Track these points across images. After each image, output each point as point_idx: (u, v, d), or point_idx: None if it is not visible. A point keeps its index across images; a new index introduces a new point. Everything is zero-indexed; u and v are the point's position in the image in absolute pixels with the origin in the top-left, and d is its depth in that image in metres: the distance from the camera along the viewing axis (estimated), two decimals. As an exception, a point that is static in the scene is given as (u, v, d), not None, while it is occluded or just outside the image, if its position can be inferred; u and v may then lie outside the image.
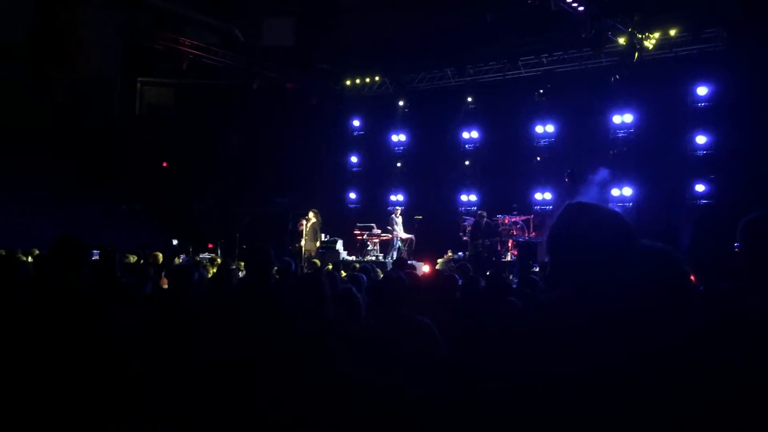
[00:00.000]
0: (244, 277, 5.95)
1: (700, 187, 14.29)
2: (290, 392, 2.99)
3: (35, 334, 2.86)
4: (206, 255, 14.73)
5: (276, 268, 5.30)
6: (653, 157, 14.74)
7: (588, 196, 12.45)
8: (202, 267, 7.53)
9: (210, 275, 6.04)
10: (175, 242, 11.10)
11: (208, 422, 2.86)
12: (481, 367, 2.04)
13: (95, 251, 7.41)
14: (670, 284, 2.06)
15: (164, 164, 20.51)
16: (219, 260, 13.05)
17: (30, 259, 8.58)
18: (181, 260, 12.04)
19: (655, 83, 14.71)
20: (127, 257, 9.96)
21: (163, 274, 7.50)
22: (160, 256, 9.92)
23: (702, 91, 14.39)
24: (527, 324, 1.87)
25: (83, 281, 3.31)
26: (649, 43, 14.19)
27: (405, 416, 3.12)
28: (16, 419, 2.64)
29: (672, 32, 14.19)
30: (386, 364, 3.34)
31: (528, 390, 1.70)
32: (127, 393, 2.82)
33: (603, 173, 13.68)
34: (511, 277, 11.12)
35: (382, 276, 5.81)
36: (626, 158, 15.07)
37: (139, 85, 21.07)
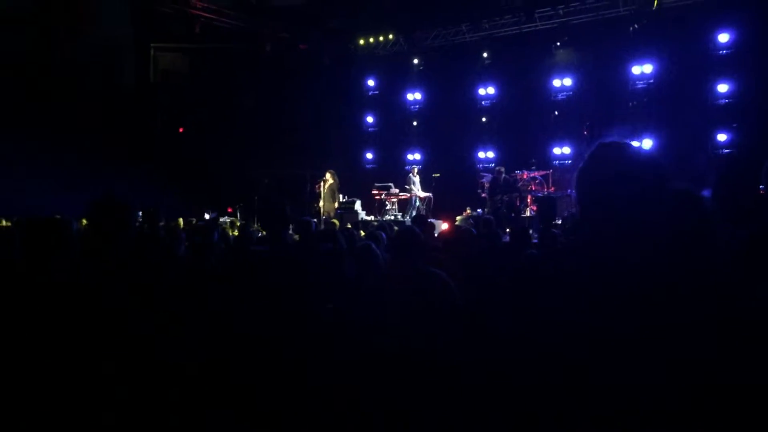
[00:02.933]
0: (262, 236, 6.00)
1: (722, 137, 14.08)
2: (309, 349, 3.01)
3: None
4: (226, 218, 14.81)
5: (295, 226, 5.32)
6: (674, 107, 14.50)
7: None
8: (222, 229, 7.58)
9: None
10: (207, 216, 11.17)
11: (235, 380, 2.91)
12: (495, 315, 2.04)
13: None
14: (698, 226, 2.03)
15: (180, 130, 20.55)
16: (239, 223, 13.14)
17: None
18: (209, 216, 12.11)
19: (675, 32, 14.38)
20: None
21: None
22: (181, 221, 10.00)
23: (723, 38, 14.08)
24: (547, 269, 1.85)
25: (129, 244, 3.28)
26: (669, -10, 13.87)
27: (421, 364, 3.15)
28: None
29: (692, -22, 13.84)
30: (402, 315, 3.36)
31: (545, 336, 1.69)
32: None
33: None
34: (531, 232, 11.07)
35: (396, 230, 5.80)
36: (646, 109, 14.86)
37: (152, 51, 20.99)
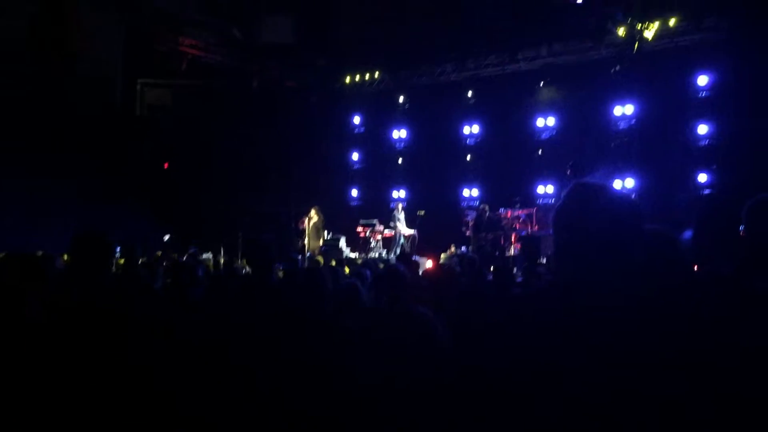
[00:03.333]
0: (247, 272, 5.96)
1: (702, 177, 14.26)
2: (291, 385, 2.98)
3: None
4: (208, 254, 14.73)
5: (281, 264, 5.31)
6: (655, 147, 14.72)
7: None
8: (204, 265, 7.54)
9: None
10: (166, 237, 11.07)
11: (211, 417, 2.86)
12: (482, 356, 2.03)
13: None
14: (673, 267, 2.05)
15: (165, 165, 20.52)
16: (222, 259, 13.07)
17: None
18: (191, 252, 12.04)
19: (656, 73, 14.66)
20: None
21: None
22: (159, 254, 9.93)
23: (703, 80, 14.35)
24: (529, 310, 1.85)
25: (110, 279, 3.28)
26: (649, 34, 14.16)
27: (405, 405, 3.11)
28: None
29: (671, 22, 14.15)
30: (386, 354, 3.33)
31: (530, 376, 1.68)
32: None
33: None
34: (515, 270, 11.09)
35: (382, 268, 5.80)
36: (628, 149, 15.04)
37: (139, 86, 21.07)
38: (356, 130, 20.52)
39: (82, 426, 2.64)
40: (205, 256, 14.43)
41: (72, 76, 16.96)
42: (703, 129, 14.34)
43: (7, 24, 16.15)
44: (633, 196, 14.24)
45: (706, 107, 14.35)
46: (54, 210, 15.85)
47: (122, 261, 7.88)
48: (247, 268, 8.91)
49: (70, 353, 2.77)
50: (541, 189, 16.50)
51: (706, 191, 14.20)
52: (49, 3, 14.05)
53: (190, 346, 3.13)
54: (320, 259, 12.32)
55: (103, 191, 17.71)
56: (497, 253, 14.16)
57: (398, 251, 15.08)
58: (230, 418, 2.86)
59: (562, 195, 1.80)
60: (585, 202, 1.74)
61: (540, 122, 16.72)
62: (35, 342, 2.80)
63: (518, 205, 15.72)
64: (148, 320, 3.44)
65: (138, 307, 3.50)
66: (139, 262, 9.66)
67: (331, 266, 8.54)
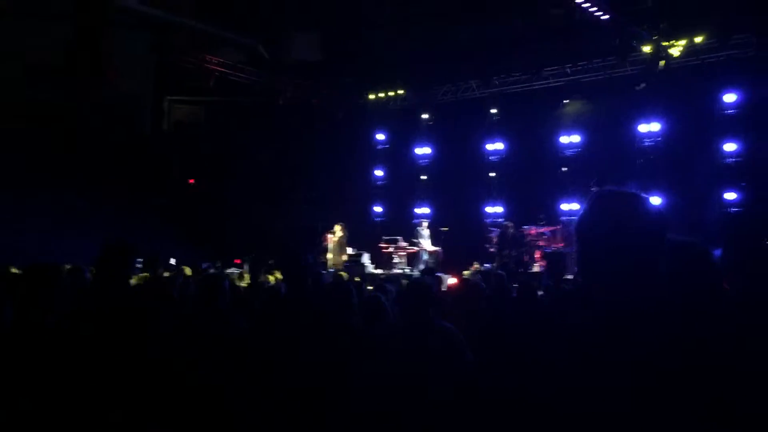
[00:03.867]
0: (277, 284, 6.01)
1: (730, 195, 14.10)
2: (316, 396, 3.01)
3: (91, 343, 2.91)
4: (234, 269, 14.83)
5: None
6: (681, 165, 14.57)
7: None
8: (228, 280, 7.60)
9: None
10: (173, 261, 11.20)
11: (241, 424, 2.90)
12: (507, 368, 2.03)
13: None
14: (702, 280, 2.03)
15: (191, 181, 20.77)
16: (246, 275, 13.15)
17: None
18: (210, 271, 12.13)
19: (682, 91, 14.56)
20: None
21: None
22: (188, 270, 10.01)
23: (730, 98, 14.24)
24: (553, 319, 1.85)
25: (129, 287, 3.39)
26: (675, 51, 14.10)
27: (430, 418, 3.13)
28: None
29: (698, 39, 14.07)
30: (410, 368, 3.35)
31: (554, 386, 1.68)
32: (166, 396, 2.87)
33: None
34: (540, 287, 11.03)
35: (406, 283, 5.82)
36: (654, 167, 14.91)
37: (166, 103, 21.41)
38: (380, 147, 20.64)
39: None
40: (229, 271, 14.52)
41: (103, 95, 17.32)
42: (730, 147, 14.21)
43: (42, 49, 16.58)
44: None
45: (733, 125, 14.22)
46: (82, 225, 16.10)
47: (146, 274, 7.99)
48: (271, 283, 8.98)
49: (93, 358, 2.83)
50: (565, 206, 16.40)
51: (734, 210, 14.03)
52: (83, 28, 14.38)
53: (220, 352, 3.18)
54: (344, 274, 12.35)
55: (130, 207, 17.99)
56: (521, 270, 14.09)
57: (422, 267, 15.04)
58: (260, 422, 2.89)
59: (586, 203, 1.79)
60: (608, 210, 1.72)
61: (564, 139, 16.67)
62: (59, 347, 2.87)
63: (543, 223, 15.63)
64: (173, 329, 3.51)
65: (159, 314, 3.57)
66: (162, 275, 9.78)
67: (356, 281, 8.58)
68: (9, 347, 2.86)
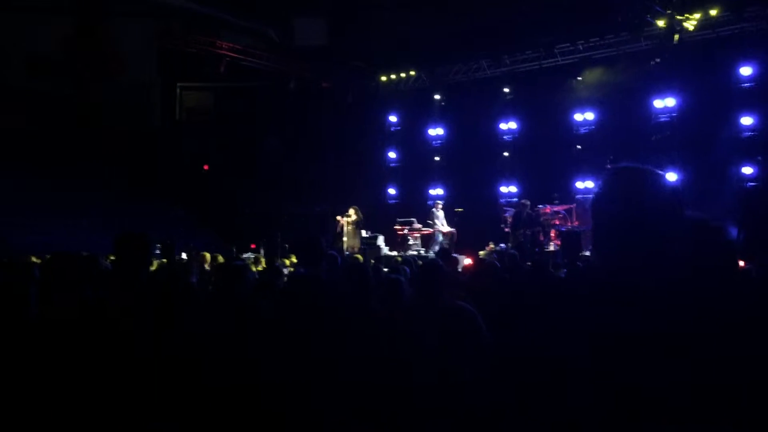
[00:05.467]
0: (296, 269, 6.03)
1: (747, 170, 13.96)
2: (336, 379, 3.03)
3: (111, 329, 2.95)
4: (249, 255, 14.90)
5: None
6: (697, 140, 14.42)
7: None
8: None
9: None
10: (184, 256, 11.31)
11: (263, 408, 2.93)
12: (524, 345, 2.02)
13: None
14: (716, 258, 2.01)
15: (205, 167, 20.87)
16: (262, 259, 13.20)
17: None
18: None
19: (697, 65, 14.40)
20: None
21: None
22: (207, 255, 10.07)
23: (746, 71, 14.05)
24: (568, 296, 1.83)
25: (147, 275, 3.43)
26: (690, 24, 13.89)
27: (446, 398, 3.14)
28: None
29: (713, 12, 13.84)
30: (428, 348, 3.36)
31: (569, 363, 1.67)
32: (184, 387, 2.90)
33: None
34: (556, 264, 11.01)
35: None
36: (670, 143, 14.77)
37: (178, 90, 21.46)
38: (393, 129, 20.61)
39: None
40: (245, 256, 14.59)
41: (109, 86, 17.43)
42: (746, 120, 14.04)
43: (45, 43, 16.67)
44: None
45: (749, 98, 14.04)
46: (97, 213, 16.26)
47: (164, 260, 8.06)
48: (289, 268, 9.02)
49: (114, 347, 2.87)
50: (580, 184, 16.31)
51: (751, 184, 13.88)
52: (84, 27, 14.40)
53: (239, 338, 3.21)
54: (359, 257, 12.38)
55: (144, 194, 18.12)
56: (537, 249, 14.06)
57: (437, 249, 15.04)
58: (273, 417, 2.92)
59: (601, 179, 1.78)
60: (623, 187, 1.71)
61: (578, 117, 16.55)
62: (79, 335, 2.91)
63: (557, 201, 15.56)
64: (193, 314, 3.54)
65: (180, 302, 3.61)
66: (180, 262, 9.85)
67: (373, 263, 8.60)
68: (35, 337, 2.89)
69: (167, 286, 3.87)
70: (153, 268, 5.99)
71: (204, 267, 8.89)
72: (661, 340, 1.56)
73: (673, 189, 1.71)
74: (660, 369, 1.54)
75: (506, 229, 15.54)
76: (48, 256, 3.71)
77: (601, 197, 1.74)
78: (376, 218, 17.83)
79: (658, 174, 1.71)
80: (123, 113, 19.37)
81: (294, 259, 10.57)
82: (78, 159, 17.58)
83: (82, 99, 17.56)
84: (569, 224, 15.05)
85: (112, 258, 3.51)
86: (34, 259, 8.81)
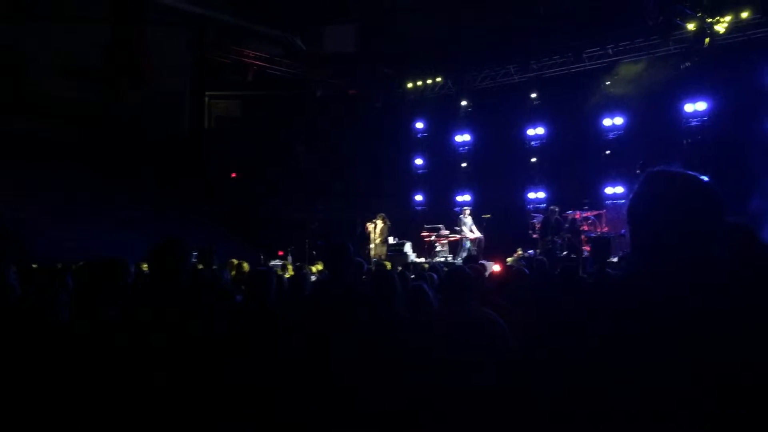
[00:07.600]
0: (322, 274, 6.04)
1: (781, 174, 13.66)
2: (363, 384, 3.02)
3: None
4: (277, 261, 14.98)
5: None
6: (730, 145, 14.14)
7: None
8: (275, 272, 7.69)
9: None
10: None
11: (290, 417, 2.93)
12: (556, 352, 1.99)
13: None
14: (751, 261, 1.97)
15: (233, 175, 21.05)
16: (290, 266, 13.26)
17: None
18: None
19: (729, 68, 14.14)
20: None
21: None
22: (235, 262, 10.13)
23: (779, 73, 13.78)
24: (602, 302, 1.79)
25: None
26: (720, 27, 13.68)
27: (469, 405, 3.11)
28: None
29: (744, 15, 13.64)
30: (454, 356, 3.34)
31: (603, 370, 1.64)
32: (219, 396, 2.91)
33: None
34: (585, 271, 10.89)
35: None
36: (701, 147, 14.53)
37: (207, 98, 21.70)
38: (419, 135, 20.60)
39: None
40: (273, 263, 14.67)
41: (143, 94, 17.66)
42: (780, 124, 13.76)
43: (83, 54, 16.99)
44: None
45: (783, 101, 13.76)
46: (130, 221, 16.47)
47: (200, 266, 8.15)
48: (315, 275, 9.05)
49: (148, 352, 2.88)
50: (609, 190, 16.13)
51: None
52: (120, 32, 14.65)
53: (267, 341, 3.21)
54: (387, 264, 12.37)
55: (173, 202, 18.31)
56: (565, 255, 13.92)
57: (464, 255, 14.98)
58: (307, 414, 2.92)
59: (639, 183, 1.75)
60: (660, 191, 1.68)
61: (607, 122, 16.36)
62: (113, 340, 2.93)
63: (586, 207, 15.40)
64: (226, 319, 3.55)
65: (214, 307, 3.62)
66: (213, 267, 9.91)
67: (400, 270, 8.58)
68: (66, 345, 2.91)
69: (205, 292, 3.89)
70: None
71: (231, 274, 8.95)
72: (701, 345, 1.53)
73: (712, 192, 1.67)
74: (702, 375, 1.51)
75: (534, 235, 15.42)
76: (80, 263, 3.74)
77: (636, 200, 1.71)
78: (404, 225, 17.83)
79: (699, 177, 1.67)
80: (155, 121, 19.65)
81: (321, 266, 10.58)
82: (110, 165, 17.86)
83: (116, 106, 17.86)
84: (599, 230, 14.89)
85: (148, 264, 3.51)
86: (60, 266, 8.95)
